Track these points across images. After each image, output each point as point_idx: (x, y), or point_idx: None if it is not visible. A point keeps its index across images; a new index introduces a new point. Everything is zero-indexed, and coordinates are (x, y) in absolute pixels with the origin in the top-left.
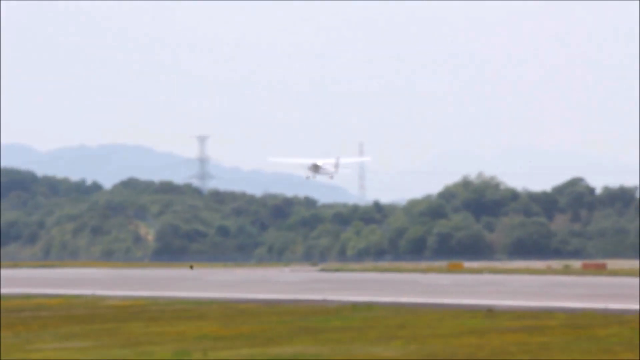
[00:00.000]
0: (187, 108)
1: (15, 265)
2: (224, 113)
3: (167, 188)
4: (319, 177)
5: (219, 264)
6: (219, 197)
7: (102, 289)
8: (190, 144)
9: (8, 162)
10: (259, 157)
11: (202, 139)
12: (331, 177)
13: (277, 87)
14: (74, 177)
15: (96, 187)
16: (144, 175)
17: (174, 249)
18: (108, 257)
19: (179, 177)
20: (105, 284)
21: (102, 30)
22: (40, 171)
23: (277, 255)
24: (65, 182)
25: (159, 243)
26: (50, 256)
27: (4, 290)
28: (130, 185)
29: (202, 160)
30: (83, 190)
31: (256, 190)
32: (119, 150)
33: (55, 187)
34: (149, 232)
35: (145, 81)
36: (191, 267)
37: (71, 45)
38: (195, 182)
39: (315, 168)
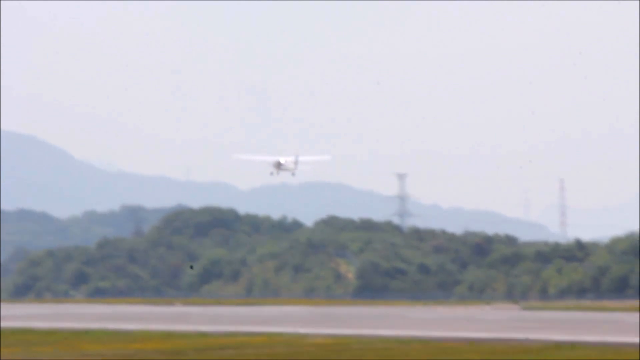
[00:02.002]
0: (387, 146)
1: (218, 302)
2: (422, 150)
3: (367, 226)
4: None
5: (419, 301)
6: (419, 235)
7: (304, 326)
8: (390, 182)
9: (211, 201)
10: (459, 194)
11: (401, 177)
12: (292, 174)
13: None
14: (275, 214)
15: (297, 224)
16: (344, 212)
17: (375, 286)
18: (309, 295)
19: (378, 215)
20: (307, 322)
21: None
22: (242, 209)
23: (478, 293)
24: (266, 219)
25: (359, 281)
26: (253, 294)
27: (208, 328)
28: (330, 223)
29: (402, 198)
30: (284, 228)
31: (455, 227)
32: (320, 188)
33: (256, 225)
34: (349, 270)
35: (346, 120)
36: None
37: (261, 84)
38: (395, 220)
39: (278, 165)
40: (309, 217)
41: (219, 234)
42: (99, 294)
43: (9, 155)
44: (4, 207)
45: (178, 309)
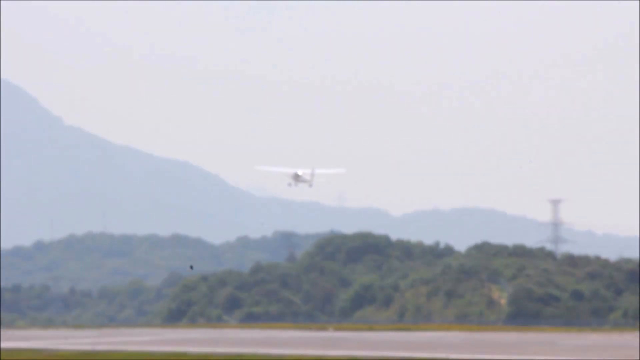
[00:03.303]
0: (540, 170)
1: (370, 328)
2: (576, 175)
3: (520, 252)
4: None
5: (573, 328)
6: (572, 261)
7: (456, 352)
8: (543, 207)
9: (364, 226)
10: (613, 220)
11: (555, 203)
12: (310, 186)
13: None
14: (428, 240)
15: (449, 250)
16: (496, 238)
17: (528, 313)
18: (462, 321)
19: (531, 241)
20: (459, 348)
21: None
22: (394, 235)
23: (633, 320)
24: (419, 245)
25: (512, 307)
26: (405, 319)
27: (360, 353)
28: (483, 248)
29: (555, 224)
30: (436, 254)
31: (610, 254)
32: (472, 214)
33: (409, 251)
34: (502, 296)
35: (500, 144)
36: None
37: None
38: (549, 246)
39: (296, 177)
40: (461, 243)
41: (372, 259)
42: (251, 319)
43: (164, 181)
44: (158, 232)
45: (331, 334)
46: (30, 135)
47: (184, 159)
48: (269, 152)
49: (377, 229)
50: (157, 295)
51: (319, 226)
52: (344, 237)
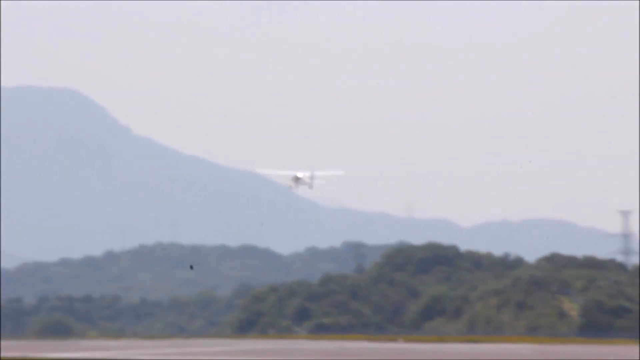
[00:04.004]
0: (609, 181)
1: (440, 339)
2: None
3: (591, 263)
4: None
5: None
6: None
7: None
8: (613, 219)
9: (433, 237)
10: None
11: (625, 214)
12: (310, 188)
13: None
14: (497, 251)
15: (519, 261)
16: (567, 249)
17: (599, 325)
18: (532, 333)
19: (602, 252)
20: None
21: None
22: (464, 246)
23: None
24: (488, 257)
25: (583, 319)
26: (475, 331)
27: None
28: (553, 260)
29: (626, 235)
30: (506, 265)
31: None
32: (542, 225)
33: (478, 262)
34: (573, 308)
35: (567, 156)
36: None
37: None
38: (619, 257)
39: (296, 179)
40: (531, 254)
41: (441, 270)
42: (321, 330)
43: (233, 191)
44: (228, 242)
45: (400, 345)
46: (99, 145)
47: (250, 169)
48: (336, 159)
49: (446, 239)
50: (227, 306)
51: (388, 237)
52: (413, 248)
